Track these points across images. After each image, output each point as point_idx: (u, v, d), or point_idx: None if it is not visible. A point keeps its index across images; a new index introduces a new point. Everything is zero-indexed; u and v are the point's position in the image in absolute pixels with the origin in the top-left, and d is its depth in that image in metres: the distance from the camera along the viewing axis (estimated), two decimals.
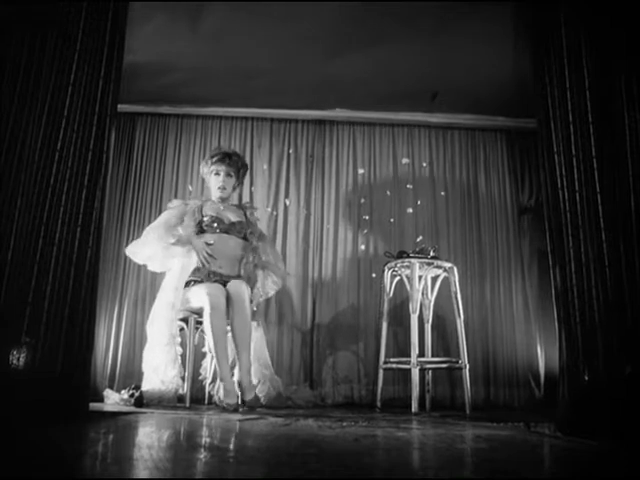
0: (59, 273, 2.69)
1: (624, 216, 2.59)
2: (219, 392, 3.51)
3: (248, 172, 4.42)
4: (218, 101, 4.99)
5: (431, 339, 4.30)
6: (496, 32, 3.87)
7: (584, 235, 2.63)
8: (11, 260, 2.64)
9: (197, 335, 3.90)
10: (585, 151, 2.71)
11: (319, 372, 4.64)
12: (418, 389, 3.76)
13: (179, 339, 3.82)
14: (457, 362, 3.98)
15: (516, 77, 4.17)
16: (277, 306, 4.76)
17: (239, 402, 3.44)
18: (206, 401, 4.04)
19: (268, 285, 4.13)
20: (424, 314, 4.24)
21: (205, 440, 2.20)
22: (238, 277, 3.87)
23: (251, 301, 3.75)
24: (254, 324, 3.82)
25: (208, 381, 4.01)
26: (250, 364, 3.61)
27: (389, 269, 4.15)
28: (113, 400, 3.82)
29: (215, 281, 3.72)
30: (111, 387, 4.25)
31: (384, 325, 4.12)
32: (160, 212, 4.54)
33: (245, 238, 3.97)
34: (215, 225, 3.87)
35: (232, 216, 4.00)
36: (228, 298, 3.59)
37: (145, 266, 4.26)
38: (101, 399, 3.93)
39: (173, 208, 4.02)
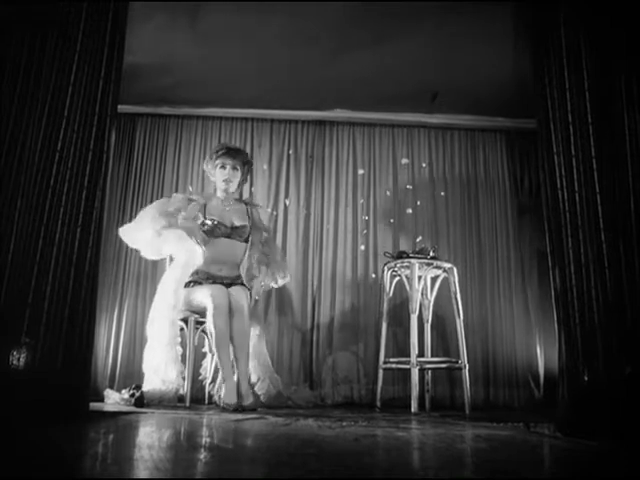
0: (59, 273, 2.69)
1: (624, 216, 2.59)
2: (219, 392, 3.51)
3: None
4: (218, 102, 4.99)
5: (431, 339, 4.30)
6: (496, 32, 3.87)
7: (584, 236, 2.63)
8: (11, 261, 2.64)
9: (197, 335, 3.90)
10: (585, 151, 2.71)
11: (319, 372, 4.64)
12: (418, 389, 3.77)
13: (179, 339, 3.82)
14: (457, 362, 3.98)
15: (516, 77, 4.17)
16: (277, 306, 4.77)
17: (239, 403, 3.44)
18: (206, 401, 4.04)
19: (272, 278, 4.14)
20: (424, 314, 4.24)
21: (205, 440, 2.21)
22: (238, 278, 3.87)
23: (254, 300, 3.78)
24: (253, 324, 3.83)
25: (208, 381, 4.01)
26: (248, 371, 3.62)
27: (389, 269, 4.15)
28: (113, 400, 3.82)
29: (214, 283, 3.73)
30: (111, 387, 4.26)
31: (384, 325, 4.13)
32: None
33: (247, 240, 3.97)
34: (217, 231, 3.83)
35: (235, 218, 3.96)
36: (229, 304, 3.59)
37: (145, 265, 4.28)
38: (101, 399, 3.92)
39: (174, 198, 3.99)
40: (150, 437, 2.29)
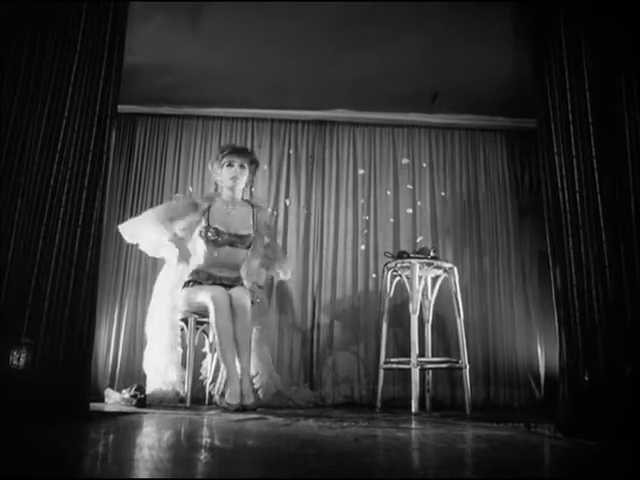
0: (59, 274, 2.69)
1: (624, 216, 2.59)
2: (219, 392, 3.51)
3: None
4: (218, 102, 4.99)
5: (431, 339, 4.30)
6: (496, 33, 3.87)
7: (584, 235, 2.63)
8: (11, 261, 2.64)
9: (197, 335, 3.91)
10: (585, 151, 2.70)
11: (319, 372, 4.64)
12: (418, 389, 3.77)
13: (180, 339, 3.83)
14: (457, 362, 3.98)
15: (516, 77, 4.17)
16: (277, 305, 4.77)
17: (241, 403, 3.41)
18: (207, 401, 4.04)
19: (274, 272, 4.22)
20: (424, 314, 4.24)
21: (206, 440, 2.20)
22: (238, 280, 3.87)
23: (252, 302, 3.76)
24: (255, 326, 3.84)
25: (208, 381, 4.02)
26: (249, 369, 3.61)
27: (389, 269, 4.15)
28: (114, 400, 3.83)
29: (214, 283, 3.73)
30: (112, 386, 4.26)
31: (384, 325, 4.12)
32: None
33: (249, 246, 3.95)
34: (218, 239, 3.81)
35: (240, 226, 3.91)
36: (230, 304, 3.59)
37: (145, 266, 4.28)
38: (102, 399, 3.93)
39: (178, 202, 3.97)
40: (150, 437, 2.30)
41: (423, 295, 4.16)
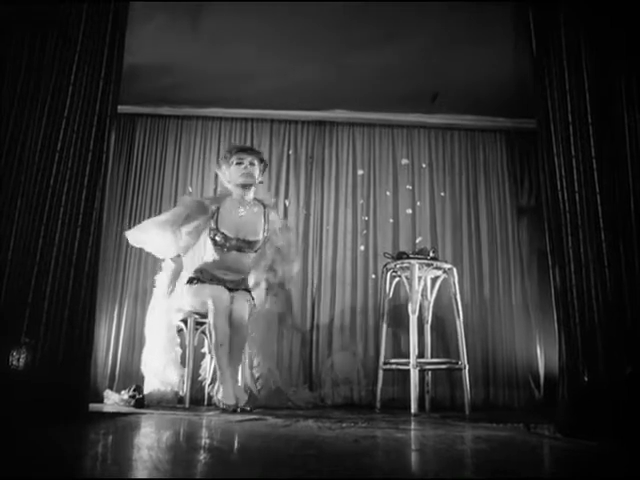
0: (59, 273, 2.69)
1: (623, 216, 2.59)
2: (218, 393, 3.51)
3: None
4: (218, 102, 4.99)
5: (431, 340, 4.30)
6: (496, 33, 3.87)
7: (584, 235, 2.63)
8: (11, 260, 2.64)
9: (196, 336, 3.90)
10: (585, 152, 2.70)
11: (318, 373, 4.63)
12: (418, 390, 3.76)
13: (178, 340, 3.83)
14: (457, 363, 3.98)
15: (516, 78, 4.16)
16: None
17: (237, 404, 3.42)
18: (205, 402, 4.03)
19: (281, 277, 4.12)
20: (423, 315, 4.24)
21: (205, 441, 2.20)
22: (243, 282, 3.86)
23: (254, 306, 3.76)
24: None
25: (207, 382, 4.01)
26: (237, 376, 3.66)
27: (388, 270, 4.15)
28: (113, 400, 3.83)
29: (218, 284, 3.71)
30: (111, 387, 4.26)
31: (384, 326, 4.12)
32: (160, 211, 4.57)
33: (258, 249, 3.88)
34: (226, 244, 3.75)
35: (250, 230, 3.82)
36: (230, 315, 3.57)
37: (145, 268, 4.28)
38: (101, 399, 3.93)
39: (184, 204, 3.89)
40: (149, 438, 2.29)
41: (422, 296, 4.16)
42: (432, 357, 4.26)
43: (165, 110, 5.07)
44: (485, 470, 1.70)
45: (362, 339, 4.74)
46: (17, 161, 2.76)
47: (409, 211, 5.05)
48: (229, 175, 3.87)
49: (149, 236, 3.82)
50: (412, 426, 2.92)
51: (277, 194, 5.01)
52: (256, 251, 3.87)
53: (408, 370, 3.82)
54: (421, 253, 4.09)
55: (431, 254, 4.05)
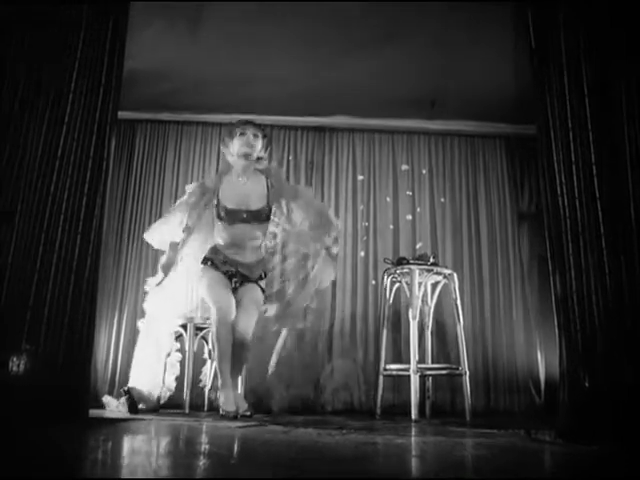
0: (59, 280, 2.69)
1: (624, 223, 2.59)
2: (221, 399, 3.47)
3: None
4: (218, 108, 5.00)
5: (431, 345, 4.29)
6: (496, 39, 3.88)
7: (584, 241, 2.63)
8: (11, 266, 2.64)
9: (196, 342, 3.90)
10: (585, 158, 2.71)
11: (318, 379, 4.63)
12: (418, 396, 3.75)
13: (168, 350, 3.85)
14: (457, 369, 3.97)
15: (516, 83, 4.18)
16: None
17: (237, 410, 3.39)
18: (205, 407, 4.03)
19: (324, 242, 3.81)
20: (424, 320, 4.23)
21: (205, 447, 2.19)
22: (256, 266, 3.70)
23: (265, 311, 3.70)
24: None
25: (207, 387, 4.01)
26: (238, 383, 3.60)
27: (389, 276, 4.15)
28: (113, 406, 3.82)
29: (227, 271, 3.60)
30: (110, 393, 4.25)
31: (384, 331, 4.11)
32: (160, 219, 4.57)
33: (266, 220, 3.70)
34: (230, 218, 3.62)
35: (253, 199, 3.67)
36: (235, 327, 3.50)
37: (145, 274, 4.29)
38: (101, 405, 3.92)
39: (188, 192, 3.83)
40: (148, 444, 2.29)
41: (423, 301, 4.15)
42: (432, 363, 4.25)
43: (165, 116, 5.09)
44: (485, 471, 1.70)
45: (362, 345, 4.73)
46: (17, 168, 2.76)
47: (409, 217, 5.05)
48: (232, 148, 3.77)
49: (168, 233, 3.77)
50: (413, 432, 2.91)
51: None
52: (263, 222, 3.70)
53: (408, 376, 3.81)
54: (421, 259, 4.09)
55: (431, 260, 4.05)
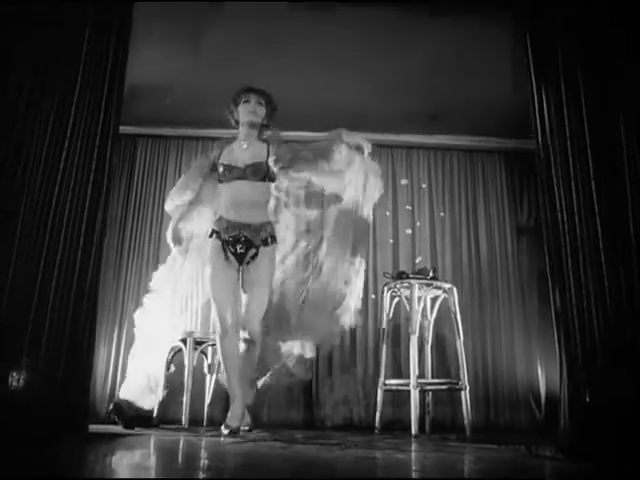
0: (60, 294, 2.69)
1: (623, 237, 2.60)
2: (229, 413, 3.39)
3: None
4: (218, 123, 5.00)
5: (431, 360, 4.28)
6: (495, 54, 3.91)
7: (583, 256, 2.63)
8: (12, 281, 2.64)
9: (196, 356, 3.89)
10: (583, 173, 2.72)
11: (317, 394, 4.61)
12: (418, 411, 3.73)
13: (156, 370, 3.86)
14: (457, 383, 3.96)
15: (515, 98, 4.19)
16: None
17: (240, 426, 3.34)
18: (205, 422, 4.01)
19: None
20: (424, 335, 4.22)
21: (204, 462, 2.19)
22: (262, 227, 3.56)
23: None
24: None
25: (207, 402, 3.99)
26: (242, 396, 3.50)
27: (388, 290, 4.14)
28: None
29: (233, 236, 3.47)
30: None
31: (383, 346, 4.10)
32: (160, 232, 4.58)
33: (265, 179, 3.60)
34: (228, 174, 3.55)
35: (249, 157, 3.60)
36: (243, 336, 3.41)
37: (144, 288, 4.30)
38: (101, 421, 3.90)
39: (195, 164, 3.87)
40: (148, 459, 2.28)
41: (422, 316, 4.14)
42: (432, 377, 4.24)
43: (166, 131, 5.11)
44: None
45: (362, 359, 4.72)
46: (19, 182, 2.77)
47: (409, 231, 5.06)
48: (236, 115, 3.72)
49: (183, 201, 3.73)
50: (413, 447, 2.90)
51: None
52: (264, 179, 3.60)
53: (408, 391, 3.79)
54: (421, 273, 4.09)
55: (431, 274, 4.05)
